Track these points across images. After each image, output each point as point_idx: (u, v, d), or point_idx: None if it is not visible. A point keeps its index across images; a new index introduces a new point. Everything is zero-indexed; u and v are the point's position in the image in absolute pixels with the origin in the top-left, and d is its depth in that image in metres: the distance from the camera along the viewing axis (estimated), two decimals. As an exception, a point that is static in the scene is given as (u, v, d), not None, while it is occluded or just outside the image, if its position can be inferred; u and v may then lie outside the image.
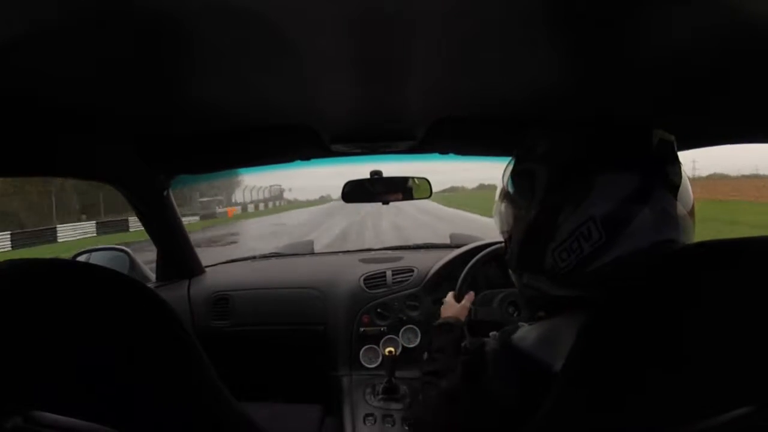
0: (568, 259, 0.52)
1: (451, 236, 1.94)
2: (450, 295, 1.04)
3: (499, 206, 0.63)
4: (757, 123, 0.74)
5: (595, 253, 0.50)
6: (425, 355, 0.85)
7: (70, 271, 0.41)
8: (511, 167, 0.62)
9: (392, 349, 1.24)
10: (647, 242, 0.49)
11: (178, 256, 1.47)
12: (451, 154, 1.22)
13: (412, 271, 1.48)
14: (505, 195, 0.61)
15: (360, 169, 1.37)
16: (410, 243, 1.95)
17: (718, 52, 0.52)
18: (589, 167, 0.51)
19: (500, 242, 1.35)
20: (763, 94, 0.63)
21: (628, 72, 0.63)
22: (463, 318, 0.95)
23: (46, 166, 0.87)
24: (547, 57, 0.59)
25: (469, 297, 1.02)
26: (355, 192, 1.34)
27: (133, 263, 1.44)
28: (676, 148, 0.53)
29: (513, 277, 0.63)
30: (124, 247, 1.48)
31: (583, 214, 0.50)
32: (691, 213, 0.52)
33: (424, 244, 1.87)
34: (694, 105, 0.72)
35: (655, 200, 0.49)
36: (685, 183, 0.52)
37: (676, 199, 0.50)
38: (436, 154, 1.23)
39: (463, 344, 0.65)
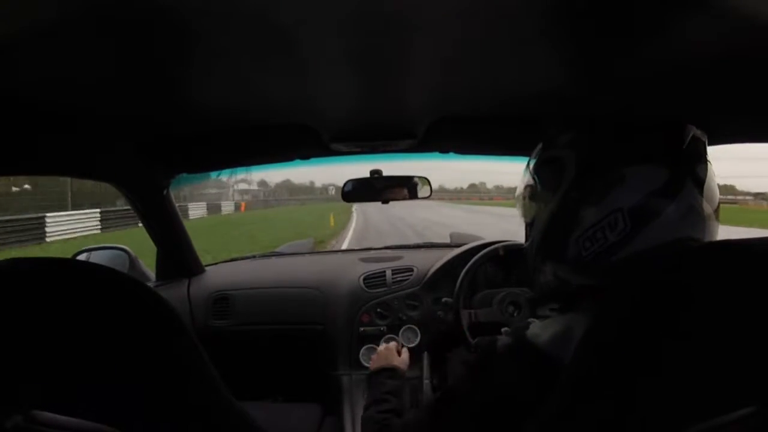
0: (591, 247, 0.52)
1: (451, 235, 1.94)
2: (393, 344, 0.99)
3: (523, 195, 0.63)
4: None
5: (619, 243, 0.50)
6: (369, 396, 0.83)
7: (70, 271, 0.41)
8: (536, 156, 0.62)
9: None
10: (671, 237, 0.49)
11: (177, 256, 1.47)
12: (451, 153, 1.22)
13: (412, 270, 1.48)
14: (529, 184, 0.62)
15: (359, 168, 1.38)
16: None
17: (725, 51, 0.52)
18: (619, 158, 0.52)
19: (499, 242, 1.36)
20: None
21: (630, 74, 0.63)
22: (406, 368, 0.91)
23: (46, 166, 0.87)
24: (547, 56, 0.59)
25: (405, 352, 0.97)
26: (357, 190, 1.34)
27: (133, 262, 1.43)
28: (706, 147, 0.53)
29: (531, 267, 0.63)
30: (124, 246, 1.48)
31: (610, 204, 0.51)
32: (716, 212, 0.52)
33: (424, 243, 1.87)
34: (696, 105, 0.72)
35: (683, 196, 0.50)
36: (712, 182, 0.52)
37: (701, 196, 0.50)
38: (437, 153, 1.24)
39: (474, 342, 0.64)
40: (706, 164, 0.52)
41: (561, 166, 0.56)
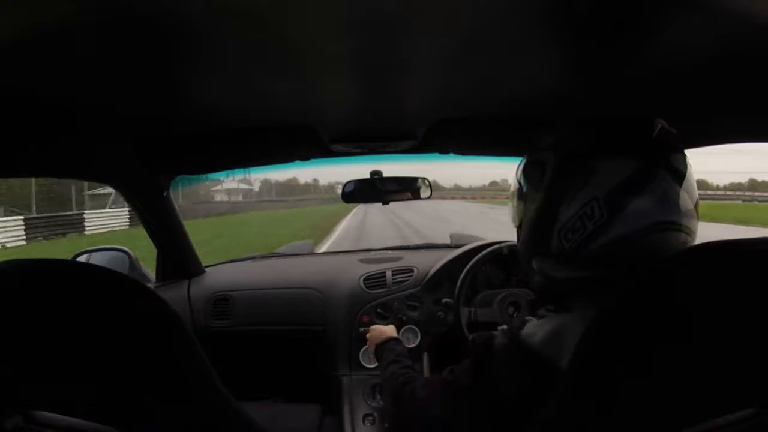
0: (572, 238, 0.54)
1: (452, 236, 1.94)
2: (377, 326, 1.10)
3: (512, 198, 0.66)
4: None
5: (597, 231, 0.52)
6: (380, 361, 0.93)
7: (70, 272, 0.41)
8: (522, 161, 0.65)
9: None
10: (648, 222, 0.50)
11: (178, 257, 1.47)
12: (451, 154, 1.22)
13: (412, 271, 1.48)
14: (516, 186, 0.65)
15: (360, 168, 1.34)
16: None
17: (724, 52, 0.52)
18: (593, 150, 0.54)
19: (500, 242, 1.36)
20: None
21: (630, 74, 0.63)
22: (395, 335, 1.02)
23: (46, 166, 0.87)
24: (547, 58, 0.59)
25: (391, 327, 1.09)
26: (358, 191, 1.33)
27: (133, 264, 1.43)
28: (679, 140, 0.54)
29: (523, 266, 0.64)
30: (124, 248, 1.48)
31: (586, 195, 0.53)
32: (695, 207, 0.53)
33: (424, 244, 1.87)
34: (697, 105, 0.72)
35: (657, 183, 0.51)
36: (691, 177, 0.53)
37: (679, 186, 0.52)
38: (437, 154, 1.24)
39: (471, 337, 0.66)
40: (682, 155, 0.53)
41: (542, 166, 0.58)
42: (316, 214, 19.50)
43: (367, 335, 1.08)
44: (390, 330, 1.04)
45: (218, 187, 31.46)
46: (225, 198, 30.55)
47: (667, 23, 0.47)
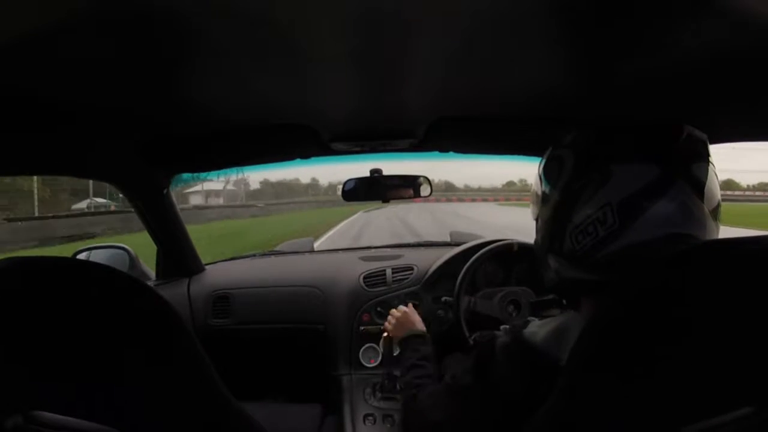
0: (583, 241, 0.53)
1: (451, 234, 1.94)
2: (410, 308, 1.07)
3: (533, 194, 0.66)
4: None
5: (608, 237, 0.51)
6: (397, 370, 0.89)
7: (70, 270, 0.41)
8: (545, 156, 0.64)
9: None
10: (662, 233, 0.49)
11: (178, 255, 1.47)
12: (451, 153, 1.22)
13: (412, 269, 1.48)
14: (537, 183, 0.64)
15: (359, 167, 1.30)
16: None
17: (725, 52, 0.52)
18: (612, 155, 0.53)
19: (500, 240, 1.36)
20: None
21: (631, 74, 0.63)
22: (423, 329, 0.98)
23: (47, 165, 0.87)
24: (547, 57, 0.59)
25: (415, 312, 1.06)
26: (358, 189, 1.33)
27: (133, 261, 1.44)
28: (707, 148, 0.53)
29: (539, 262, 0.64)
30: (124, 245, 1.48)
31: (601, 200, 0.52)
32: (714, 214, 0.52)
33: (424, 242, 1.87)
34: (697, 106, 0.72)
35: (674, 193, 0.50)
36: (713, 184, 0.52)
37: (699, 198, 0.50)
38: (437, 152, 1.23)
39: (473, 337, 0.66)
40: (706, 164, 0.52)
41: (561, 164, 0.57)
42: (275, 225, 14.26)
43: (392, 319, 1.03)
44: (418, 322, 0.99)
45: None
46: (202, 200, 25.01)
47: (668, 24, 0.47)
